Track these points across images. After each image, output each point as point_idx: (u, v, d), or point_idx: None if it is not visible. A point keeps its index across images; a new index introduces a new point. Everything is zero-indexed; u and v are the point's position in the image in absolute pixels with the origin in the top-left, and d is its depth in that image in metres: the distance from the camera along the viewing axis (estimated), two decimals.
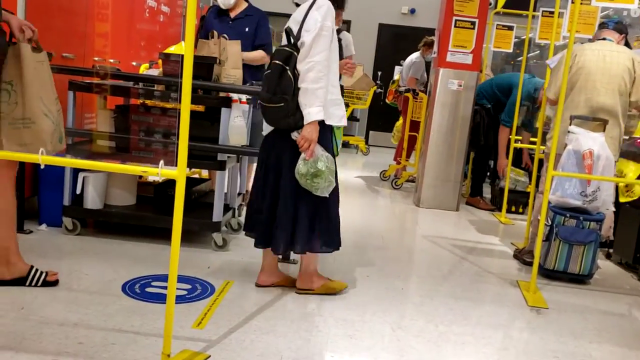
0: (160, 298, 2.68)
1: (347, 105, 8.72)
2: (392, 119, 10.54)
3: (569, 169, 3.59)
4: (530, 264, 3.71)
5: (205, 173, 4.84)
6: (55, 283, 2.72)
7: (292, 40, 2.70)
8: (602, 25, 3.90)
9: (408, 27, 10.42)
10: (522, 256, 4.01)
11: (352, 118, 9.63)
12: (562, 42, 5.52)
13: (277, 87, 2.65)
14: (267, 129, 2.89)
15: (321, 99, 2.65)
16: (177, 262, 2.00)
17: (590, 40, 3.98)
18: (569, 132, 3.64)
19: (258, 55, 4.29)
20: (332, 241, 2.87)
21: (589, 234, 3.58)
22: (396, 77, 7.67)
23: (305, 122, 2.66)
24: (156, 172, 1.88)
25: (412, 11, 10.37)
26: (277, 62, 2.66)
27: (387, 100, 7.56)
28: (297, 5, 2.83)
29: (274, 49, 2.97)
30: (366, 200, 5.79)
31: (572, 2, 3.95)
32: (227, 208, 3.77)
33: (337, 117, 2.81)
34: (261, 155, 2.90)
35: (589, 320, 3.06)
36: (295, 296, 2.94)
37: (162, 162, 1.86)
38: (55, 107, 2.53)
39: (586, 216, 3.60)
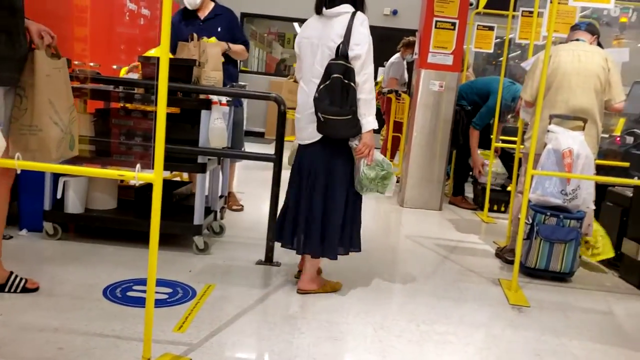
0: (141, 302, 2.65)
1: None
2: (377, 119, 10.57)
3: (548, 167, 3.62)
4: (511, 262, 3.74)
5: (186, 176, 4.82)
6: (34, 290, 2.69)
7: (339, 53, 2.72)
8: (574, 27, 3.95)
9: (390, 28, 10.43)
10: (504, 255, 4.04)
11: None
12: (542, 42, 5.57)
13: (344, 101, 2.70)
14: (305, 139, 2.93)
15: (374, 107, 2.82)
16: (155, 265, 1.98)
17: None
18: (548, 131, 3.67)
19: (241, 49, 4.32)
20: (359, 242, 3.06)
21: (570, 232, 3.61)
22: (379, 78, 7.69)
23: (364, 131, 2.79)
24: (133, 176, 1.87)
25: (394, 12, 10.40)
26: (337, 75, 2.68)
27: None
28: (319, 13, 2.85)
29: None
30: None
31: (551, 2, 3.99)
32: (208, 211, 3.76)
33: None
34: (306, 164, 2.94)
35: (571, 318, 3.08)
36: (278, 299, 2.93)
37: (138, 165, 1.85)
38: (67, 115, 2.52)
39: (566, 214, 3.63)
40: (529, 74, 3.86)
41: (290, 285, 3.12)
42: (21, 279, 2.66)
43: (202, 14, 4.32)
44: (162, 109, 1.84)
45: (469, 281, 3.55)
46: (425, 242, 4.39)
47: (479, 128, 5.59)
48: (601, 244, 3.92)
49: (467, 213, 5.69)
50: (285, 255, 3.43)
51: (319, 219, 2.90)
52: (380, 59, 10.57)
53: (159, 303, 2.67)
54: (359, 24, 2.74)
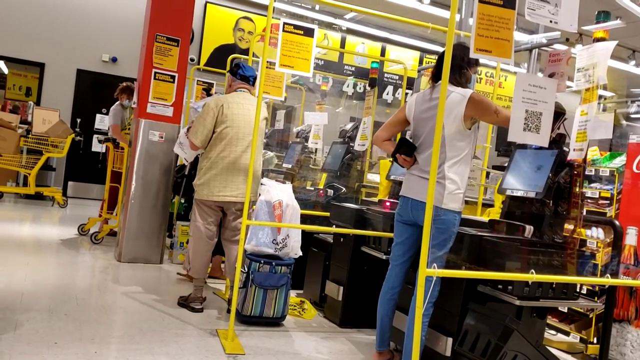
0: None
1: (40, 153, 7.98)
2: (94, 168, 9.99)
3: (262, 218, 3.85)
4: (198, 310, 3.97)
5: None
6: None
7: None
8: (244, 78, 4.23)
9: (110, 75, 10.11)
10: (190, 303, 4.05)
11: (46, 167, 8.80)
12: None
13: None
14: None
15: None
16: None
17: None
18: (261, 184, 3.92)
19: None
20: None
21: (281, 277, 3.86)
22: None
23: None
24: None
25: (114, 59, 10.10)
26: None
27: None
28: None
29: None
30: (62, 259, 5.27)
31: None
32: None
33: None
34: None
35: None
36: None
37: None
38: None
39: (278, 261, 3.88)
40: (200, 120, 4.03)
41: None
42: None
43: None
44: None
45: (188, 335, 3.50)
46: (143, 298, 4.21)
47: None
48: (308, 306, 4.37)
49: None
50: None
51: None
52: (99, 105, 10.19)
53: None
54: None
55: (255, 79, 4.26)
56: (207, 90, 6.31)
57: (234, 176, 3.99)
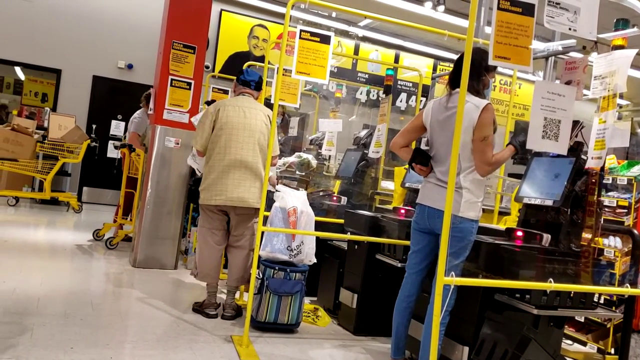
0: None
1: (56, 159, 8.06)
2: (109, 174, 10.07)
3: (276, 224, 3.85)
4: (212, 316, 3.95)
5: None
6: None
7: None
8: (245, 83, 4.23)
9: (126, 81, 10.20)
10: (204, 309, 4.05)
11: (62, 172, 8.88)
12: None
13: None
14: None
15: None
16: None
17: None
18: (277, 190, 3.93)
19: None
20: None
21: (295, 284, 3.86)
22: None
23: None
24: None
25: (130, 66, 10.19)
26: None
27: None
28: None
29: None
30: (77, 264, 5.31)
31: (277, 73, 4.35)
32: None
33: None
34: None
35: None
36: None
37: None
38: None
39: (292, 268, 3.88)
40: (200, 125, 4.11)
41: None
42: None
43: None
44: None
45: (202, 341, 3.51)
46: (157, 303, 4.23)
47: None
48: (322, 313, 4.36)
49: None
50: None
51: None
52: (114, 112, 10.29)
53: None
54: None
55: (257, 83, 4.27)
56: (209, 104, 6.34)
57: (231, 179, 3.96)
